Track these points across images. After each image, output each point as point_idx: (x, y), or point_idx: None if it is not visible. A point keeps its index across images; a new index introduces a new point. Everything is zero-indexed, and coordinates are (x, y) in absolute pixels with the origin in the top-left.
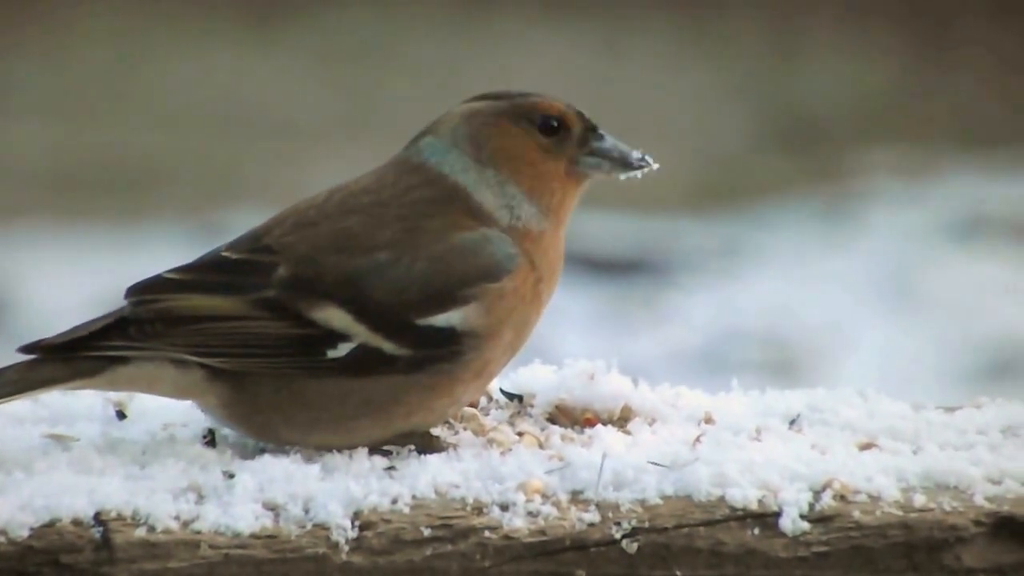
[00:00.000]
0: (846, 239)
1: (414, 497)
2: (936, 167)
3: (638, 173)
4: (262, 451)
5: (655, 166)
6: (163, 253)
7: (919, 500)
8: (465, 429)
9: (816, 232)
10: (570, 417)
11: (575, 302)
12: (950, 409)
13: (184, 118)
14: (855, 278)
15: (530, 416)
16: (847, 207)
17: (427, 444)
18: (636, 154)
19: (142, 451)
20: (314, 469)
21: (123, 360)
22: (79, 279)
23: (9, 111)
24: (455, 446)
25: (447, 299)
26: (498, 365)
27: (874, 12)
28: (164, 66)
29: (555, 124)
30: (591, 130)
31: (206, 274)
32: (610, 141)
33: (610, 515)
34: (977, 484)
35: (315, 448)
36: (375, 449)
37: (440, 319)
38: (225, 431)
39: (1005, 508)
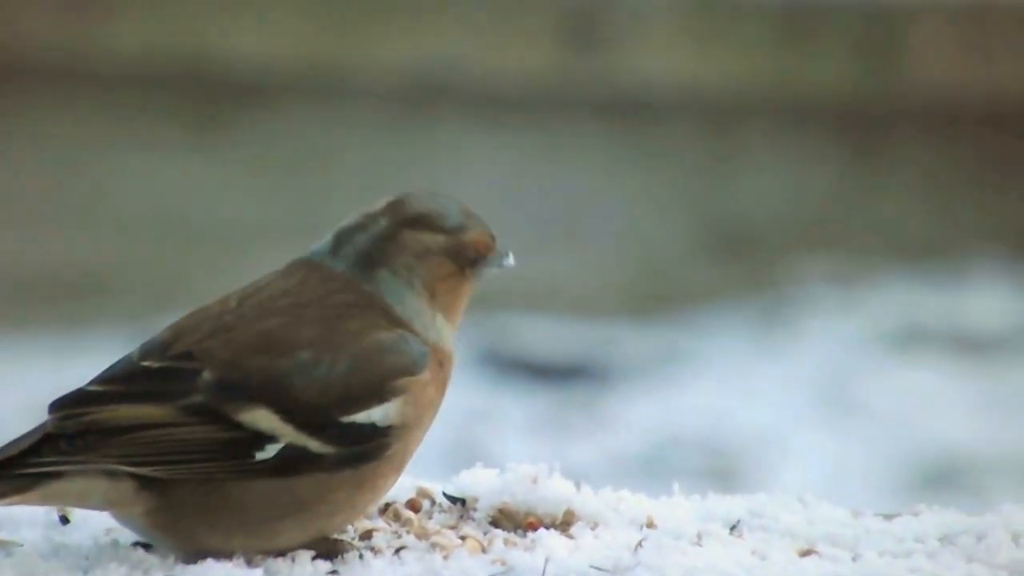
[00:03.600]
0: (783, 346)
1: None
2: (871, 276)
3: (509, 262)
4: (203, 555)
5: (512, 262)
6: (104, 360)
7: None
8: (408, 533)
9: (753, 339)
10: (513, 521)
11: (516, 407)
12: (888, 516)
13: (126, 225)
14: (792, 385)
15: (473, 520)
16: (783, 314)
17: (334, 549)
18: (510, 257)
19: (85, 556)
20: (256, 573)
21: (56, 475)
22: (18, 390)
23: None
24: (372, 549)
25: (370, 395)
26: (411, 457)
27: (810, 122)
28: (106, 173)
29: (477, 258)
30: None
31: (129, 384)
32: (506, 257)
33: None
34: None
35: (235, 553)
36: (320, 552)
37: (363, 415)
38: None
39: None
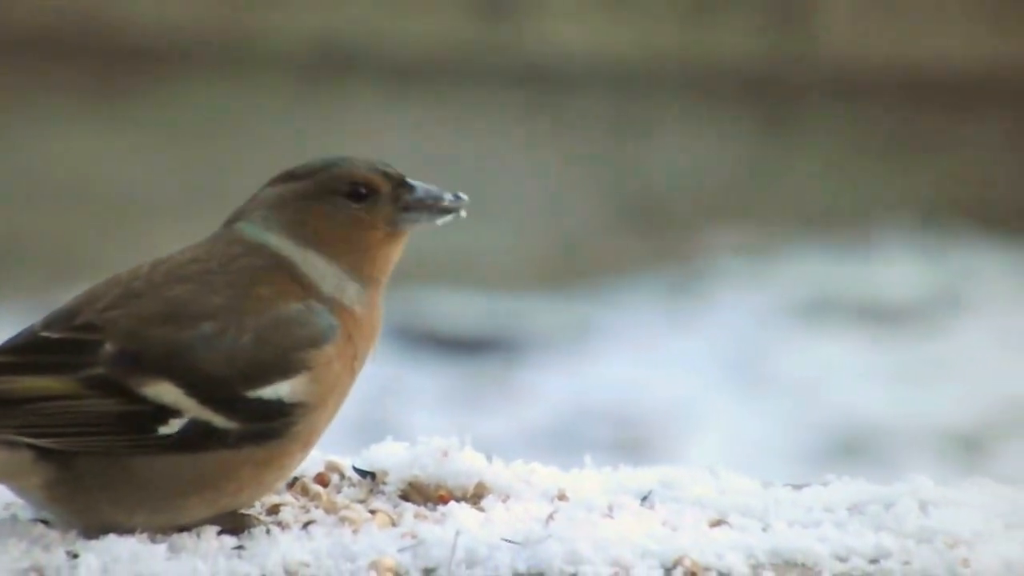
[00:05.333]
0: (693, 318)
1: None
2: (781, 248)
3: (457, 214)
4: (106, 531)
5: (465, 199)
6: (6, 333)
7: None
8: (317, 507)
9: (665, 311)
10: (423, 494)
11: (426, 380)
12: (798, 487)
13: (30, 196)
14: (703, 357)
15: (383, 494)
16: (694, 286)
17: (240, 524)
18: (449, 196)
19: None
20: (160, 549)
21: None
22: None
23: None
24: (280, 524)
25: (275, 370)
26: (319, 435)
27: (720, 93)
28: (9, 143)
29: (363, 191)
30: (401, 184)
31: (30, 355)
32: (422, 189)
33: None
34: (824, 561)
35: (138, 528)
36: (225, 528)
37: (269, 390)
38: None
39: None
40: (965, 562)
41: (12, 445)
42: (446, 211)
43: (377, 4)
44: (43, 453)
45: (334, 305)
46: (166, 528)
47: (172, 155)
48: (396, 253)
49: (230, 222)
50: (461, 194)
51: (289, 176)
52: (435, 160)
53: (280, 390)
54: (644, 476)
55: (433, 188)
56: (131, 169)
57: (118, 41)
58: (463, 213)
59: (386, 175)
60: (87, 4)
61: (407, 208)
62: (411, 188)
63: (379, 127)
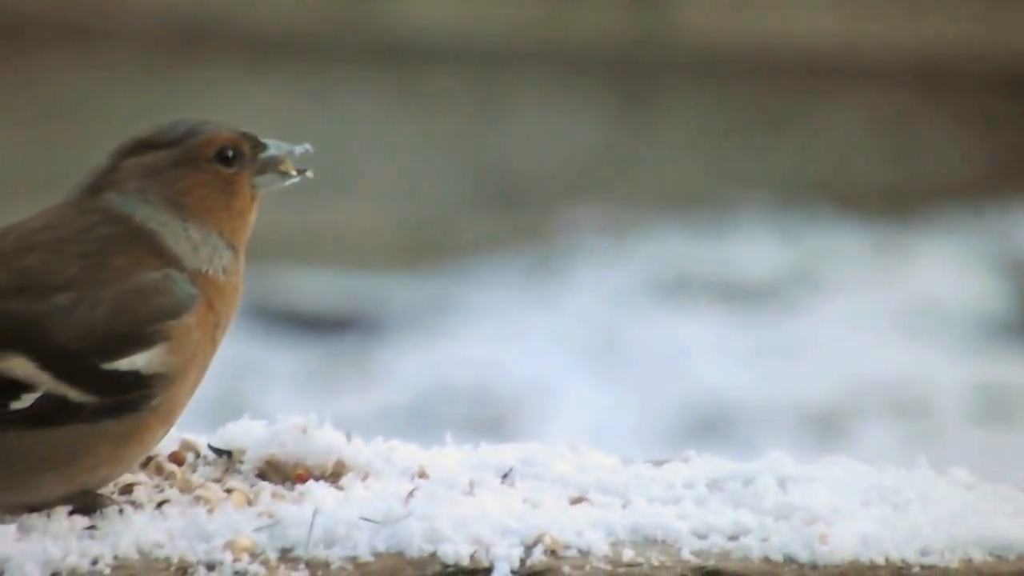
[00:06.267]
0: (554, 296)
1: (116, 558)
2: (640, 226)
3: (307, 174)
4: None
5: (310, 149)
6: None
7: (628, 555)
8: (171, 486)
9: (525, 289)
10: (281, 473)
11: (283, 359)
12: (658, 463)
13: None
14: (562, 335)
15: (240, 472)
16: (554, 265)
17: (93, 503)
18: (298, 149)
19: None
20: (10, 529)
21: None
22: None
23: None
24: (134, 504)
25: (132, 341)
26: (182, 409)
27: (581, 71)
28: None
29: (230, 154)
30: (256, 145)
31: None
32: (273, 148)
33: (320, 573)
34: (684, 538)
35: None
36: (76, 508)
37: (125, 362)
38: None
39: (711, 563)
40: (823, 538)
41: None
42: (298, 172)
43: None
44: None
45: (196, 274)
46: (18, 507)
47: (21, 135)
48: (254, 217)
49: (89, 190)
50: (307, 146)
51: (150, 144)
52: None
53: (137, 362)
54: (505, 453)
55: (283, 144)
56: None
57: None
58: (309, 173)
59: (245, 135)
60: None
61: (263, 170)
62: (265, 147)
63: (235, 103)
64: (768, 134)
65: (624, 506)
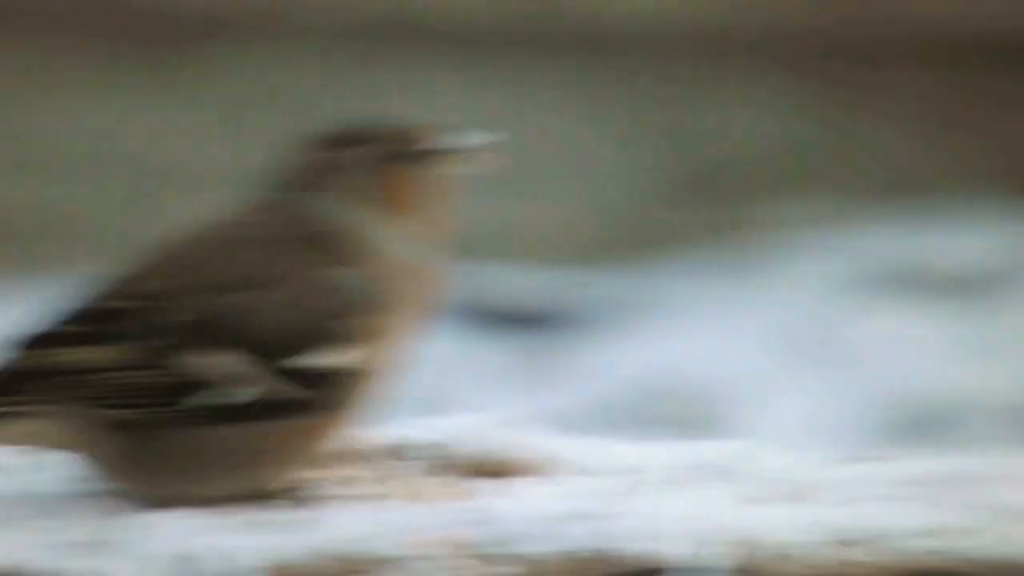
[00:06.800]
0: (759, 291)
1: (322, 552)
2: (855, 218)
3: (492, 164)
4: (172, 501)
5: (495, 139)
6: (50, 306)
7: (851, 553)
8: (383, 481)
9: (728, 284)
10: (489, 469)
11: (486, 356)
12: (874, 460)
13: (79, 168)
14: (769, 331)
15: (449, 467)
16: (759, 259)
17: (301, 496)
18: (484, 140)
19: (51, 502)
20: (229, 520)
21: (10, 415)
22: None
23: None
24: (345, 498)
25: (321, 337)
26: (375, 403)
27: (790, 57)
28: (60, 115)
29: (422, 149)
30: (443, 136)
31: (88, 325)
32: (461, 138)
33: (530, 569)
34: (911, 537)
35: (199, 500)
36: (287, 500)
37: (310, 359)
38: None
39: (935, 560)
40: None
41: (75, 416)
42: (482, 162)
43: None
44: (107, 423)
45: (391, 269)
46: (228, 499)
47: (224, 126)
48: (448, 207)
49: (285, 188)
50: (494, 136)
51: (341, 141)
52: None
53: (322, 358)
54: (717, 450)
55: (471, 133)
56: (181, 141)
57: (157, 11)
58: (494, 164)
59: (434, 127)
60: None
61: (452, 161)
62: (452, 138)
63: (434, 94)
64: (991, 120)
65: (844, 504)
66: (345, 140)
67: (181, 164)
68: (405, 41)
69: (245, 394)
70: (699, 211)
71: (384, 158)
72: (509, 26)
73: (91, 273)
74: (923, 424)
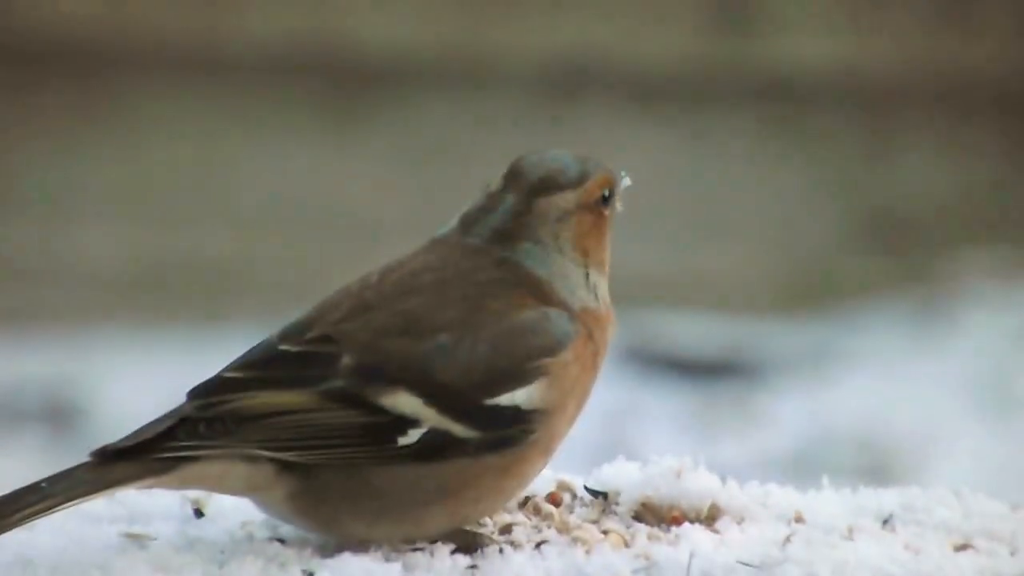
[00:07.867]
0: (940, 341)
1: None
2: None
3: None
4: (341, 549)
5: (629, 181)
6: (239, 354)
7: None
8: (549, 527)
9: (909, 334)
10: (656, 515)
11: (661, 404)
12: None
13: (262, 219)
14: (949, 381)
15: (615, 514)
16: (942, 309)
17: (473, 542)
18: (626, 181)
19: (220, 550)
20: (395, 568)
21: (193, 459)
22: (155, 383)
23: (84, 212)
24: (512, 544)
25: (512, 377)
26: (561, 441)
27: (971, 108)
28: (241, 166)
29: (608, 193)
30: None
31: (268, 370)
32: (623, 181)
33: None
34: None
35: (380, 540)
36: (458, 547)
37: (506, 398)
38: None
39: None
40: None
41: (255, 459)
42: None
43: (611, 20)
44: (285, 466)
45: (577, 309)
46: (406, 540)
47: (403, 176)
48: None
49: (476, 234)
50: (626, 177)
51: (540, 187)
52: (671, 179)
53: (517, 397)
54: (885, 498)
55: (621, 175)
56: (362, 191)
57: (351, 62)
58: (619, 206)
59: (611, 171)
60: (321, 24)
61: (614, 202)
62: (619, 182)
63: (613, 146)
64: None
65: (1012, 553)
66: (544, 187)
67: (367, 215)
68: (594, 89)
69: (431, 434)
70: (880, 261)
71: (579, 204)
72: (694, 75)
73: (274, 323)
74: None
